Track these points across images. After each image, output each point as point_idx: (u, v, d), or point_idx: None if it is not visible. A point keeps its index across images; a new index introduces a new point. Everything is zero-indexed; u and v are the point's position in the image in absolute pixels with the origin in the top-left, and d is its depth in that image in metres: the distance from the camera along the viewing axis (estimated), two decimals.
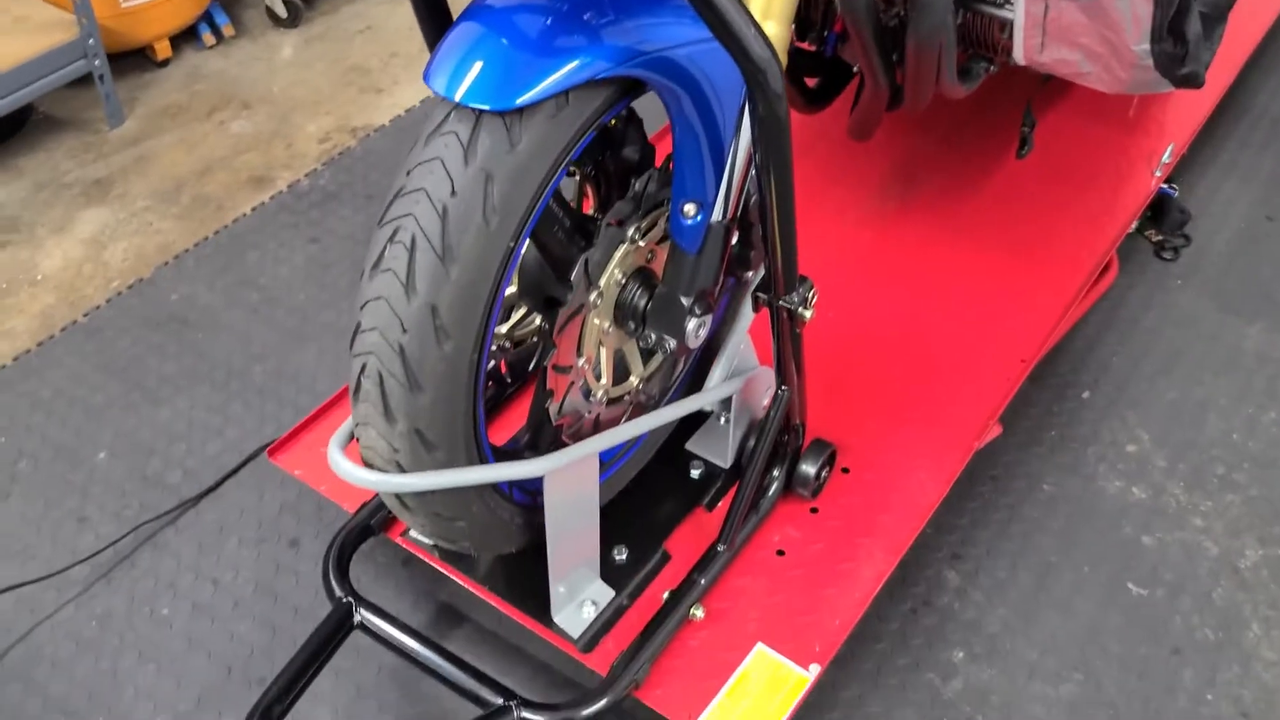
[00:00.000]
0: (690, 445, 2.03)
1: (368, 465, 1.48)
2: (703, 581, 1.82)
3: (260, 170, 3.06)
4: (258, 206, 2.93)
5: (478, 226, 1.33)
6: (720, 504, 1.98)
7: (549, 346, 1.54)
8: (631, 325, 1.66)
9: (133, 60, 3.40)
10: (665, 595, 1.82)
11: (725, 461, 2.00)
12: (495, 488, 1.59)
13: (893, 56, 1.98)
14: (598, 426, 1.72)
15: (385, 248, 1.36)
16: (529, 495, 1.68)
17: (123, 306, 2.67)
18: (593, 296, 1.57)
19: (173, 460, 2.33)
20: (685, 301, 1.59)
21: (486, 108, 1.31)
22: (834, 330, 2.20)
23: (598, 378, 1.68)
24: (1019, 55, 1.98)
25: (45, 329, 2.62)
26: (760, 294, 1.65)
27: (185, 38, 3.48)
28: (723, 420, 2.05)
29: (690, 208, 1.52)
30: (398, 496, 1.51)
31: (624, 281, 1.62)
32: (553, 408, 1.60)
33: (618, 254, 1.58)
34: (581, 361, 1.61)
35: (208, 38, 3.44)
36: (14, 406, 2.45)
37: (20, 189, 3.01)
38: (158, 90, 3.34)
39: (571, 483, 1.62)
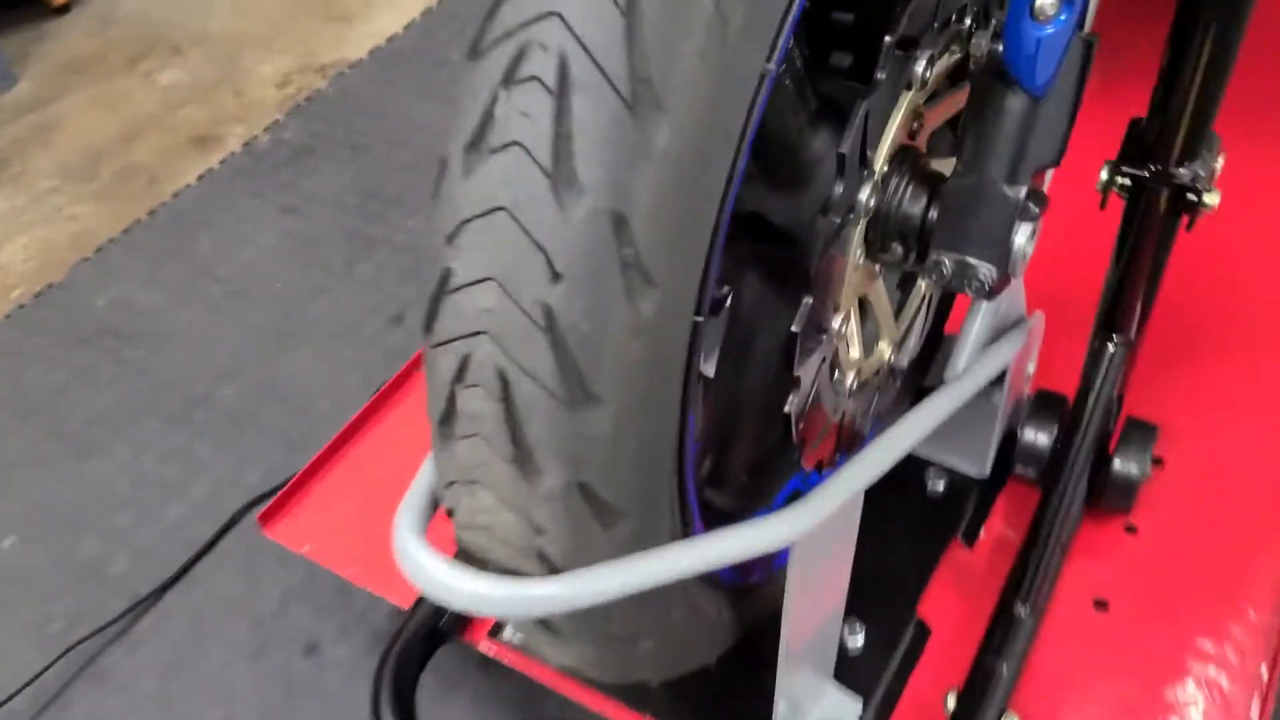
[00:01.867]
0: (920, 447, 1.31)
1: (477, 561, 0.74)
2: (1005, 670, 1.10)
3: (204, 127, 2.30)
4: (206, 174, 2.17)
5: (704, 29, 0.60)
6: (983, 533, 1.26)
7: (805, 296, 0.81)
8: (898, 250, 0.93)
9: (22, 9, 2.62)
10: (950, 700, 1.10)
11: (981, 467, 1.28)
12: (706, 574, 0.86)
13: None
14: (842, 435, 0.99)
15: (498, 99, 0.62)
16: (739, 571, 0.96)
17: (29, 321, 1.91)
18: (866, 193, 0.84)
19: (114, 538, 1.58)
20: (1011, 192, 0.86)
21: None
22: (1092, 242, 1.47)
23: (848, 350, 0.95)
24: None
25: None
26: (1130, 169, 0.93)
27: None
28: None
29: (1049, 1, 0.78)
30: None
31: (883, 174, 0.90)
32: (795, 406, 0.87)
33: (897, 115, 0.86)
34: (839, 321, 0.89)
35: None
36: None
37: None
38: (58, 42, 2.57)
39: (829, 541, 0.89)
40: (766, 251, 0.90)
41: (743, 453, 0.99)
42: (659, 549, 0.74)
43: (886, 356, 1.03)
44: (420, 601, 1.20)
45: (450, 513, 0.75)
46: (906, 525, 1.25)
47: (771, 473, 1.00)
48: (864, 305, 1.00)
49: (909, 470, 1.29)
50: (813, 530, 0.84)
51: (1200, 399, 1.38)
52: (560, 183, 0.61)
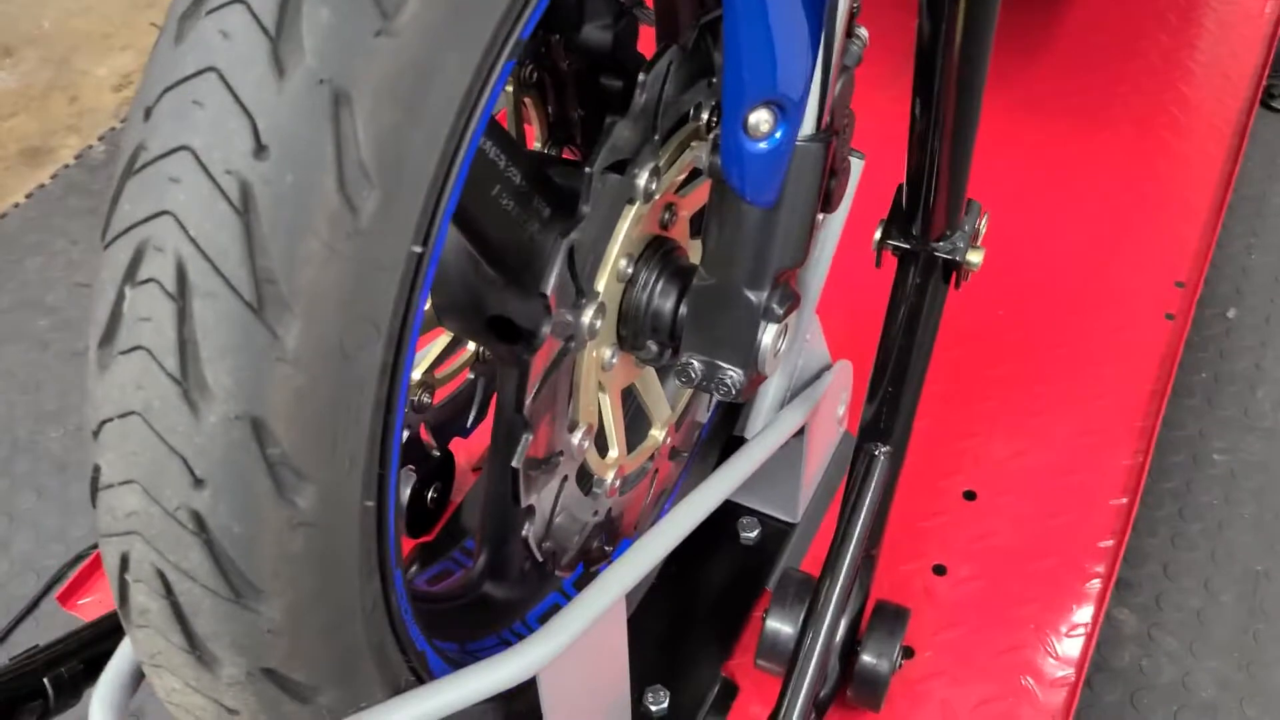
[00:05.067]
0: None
1: None
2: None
3: (35, 139, 2.20)
4: (35, 191, 2.08)
5: (329, 224, 0.56)
6: None
7: (516, 428, 0.78)
8: (653, 348, 0.90)
9: None
10: None
11: (793, 513, 1.27)
12: None
13: None
14: (609, 527, 0.97)
15: (124, 297, 0.58)
16: None
17: None
18: (588, 316, 0.81)
19: None
20: (754, 296, 0.84)
21: None
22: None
23: (603, 452, 0.92)
24: None
25: None
26: (895, 241, 0.92)
27: None
28: None
29: (761, 118, 0.75)
30: None
31: (631, 270, 0.87)
32: (534, 531, 0.84)
33: (622, 226, 0.82)
34: (579, 436, 0.86)
35: None
36: None
37: None
38: None
39: (587, 659, 0.88)
40: (521, 351, 0.87)
41: (519, 547, 0.97)
42: (367, 711, 0.71)
43: (660, 441, 1.01)
44: None
45: None
46: (716, 577, 1.25)
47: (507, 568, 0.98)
48: (632, 391, 0.97)
49: (720, 518, 1.28)
50: (560, 658, 0.82)
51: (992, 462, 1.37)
52: (190, 389, 0.57)
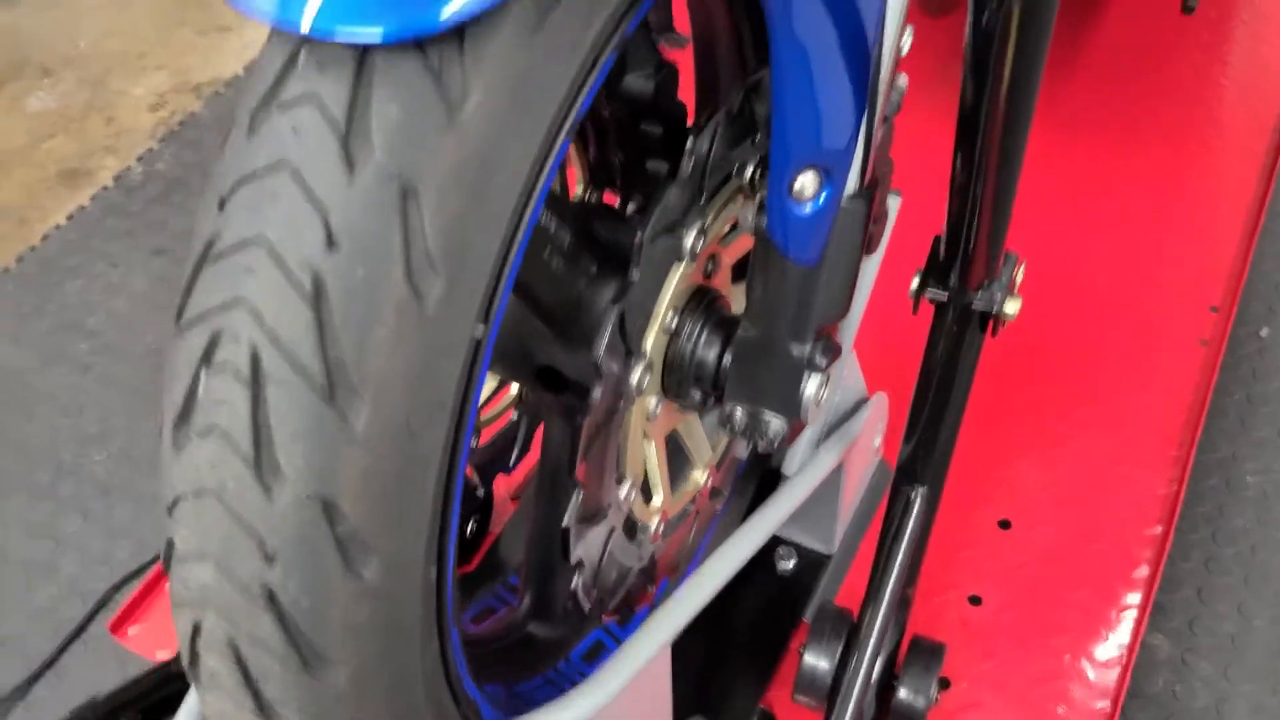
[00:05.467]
0: None
1: None
2: None
3: (74, 160, 2.23)
4: (75, 213, 2.11)
5: (396, 313, 0.58)
6: None
7: (563, 484, 0.80)
8: (696, 396, 0.92)
9: None
10: None
11: (829, 544, 1.29)
12: None
13: None
14: (652, 572, 0.99)
15: (199, 381, 0.60)
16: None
17: None
18: (638, 375, 0.83)
19: None
20: (797, 349, 0.85)
21: (379, 38, 0.55)
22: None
23: (649, 499, 0.94)
24: None
25: None
26: (933, 289, 0.93)
27: None
28: None
29: (806, 181, 0.77)
30: None
31: (675, 322, 0.88)
32: (582, 581, 0.86)
33: (668, 286, 0.84)
34: (626, 489, 0.88)
35: None
36: None
37: None
38: None
39: (634, 702, 0.89)
40: (568, 400, 0.89)
41: (565, 591, 0.99)
42: None
43: (701, 483, 1.02)
44: None
45: None
46: (753, 607, 1.26)
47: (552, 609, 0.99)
48: (675, 437, 0.99)
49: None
50: (608, 704, 0.84)
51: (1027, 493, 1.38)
52: (264, 470, 0.59)
